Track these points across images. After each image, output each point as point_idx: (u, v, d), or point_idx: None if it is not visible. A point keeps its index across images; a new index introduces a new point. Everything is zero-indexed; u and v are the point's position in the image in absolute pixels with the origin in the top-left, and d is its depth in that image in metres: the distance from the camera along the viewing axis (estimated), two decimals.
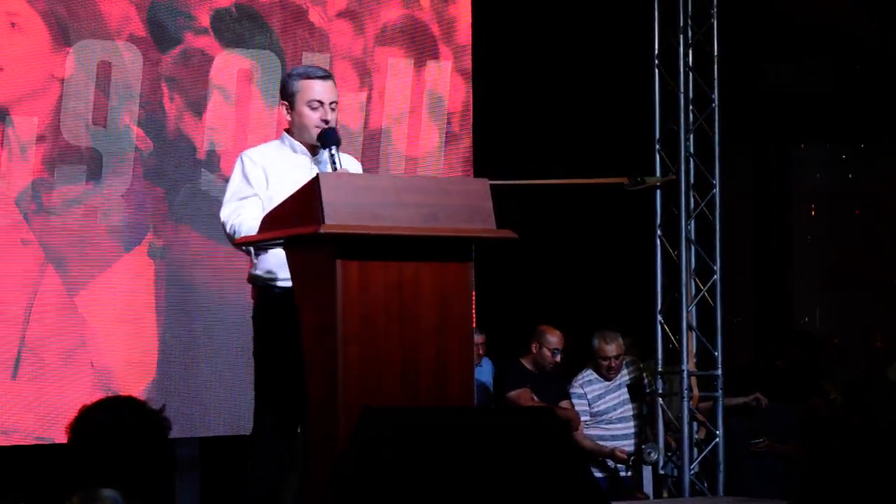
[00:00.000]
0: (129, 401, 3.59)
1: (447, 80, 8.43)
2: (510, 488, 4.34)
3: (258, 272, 5.50)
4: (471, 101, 8.51)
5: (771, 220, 11.86)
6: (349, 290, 4.69)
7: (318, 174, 4.82)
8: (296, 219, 4.79)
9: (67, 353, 7.53)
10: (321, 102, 5.44)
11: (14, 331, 7.43)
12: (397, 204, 4.82)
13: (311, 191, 4.72)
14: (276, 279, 5.44)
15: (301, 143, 5.50)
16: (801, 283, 11.92)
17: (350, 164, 5.60)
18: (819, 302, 11.93)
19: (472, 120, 8.54)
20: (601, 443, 8.35)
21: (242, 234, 5.31)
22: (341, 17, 8.12)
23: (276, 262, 5.40)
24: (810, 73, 11.46)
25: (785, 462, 8.62)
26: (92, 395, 7.52)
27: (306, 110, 5.45)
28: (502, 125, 9.28)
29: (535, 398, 8.26)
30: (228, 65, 7.90)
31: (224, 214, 5.45)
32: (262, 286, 5.49)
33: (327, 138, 5.41)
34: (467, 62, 8.52)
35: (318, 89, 5.47)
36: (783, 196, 11.94)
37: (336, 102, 5.51)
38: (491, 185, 4.99)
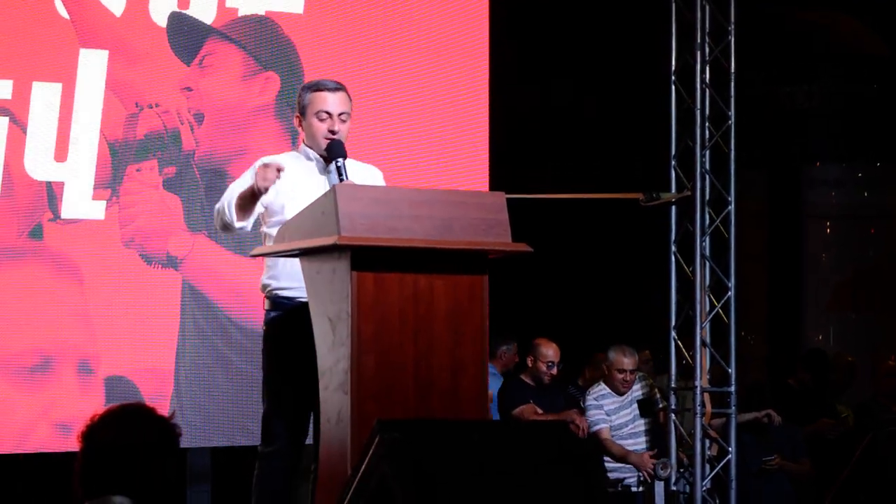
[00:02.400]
0: (141, 409, 3.59)
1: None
2: (523, 501, 4.33)
3: (267, 280, 5.54)
4: (487, 115, 8.52)
5: (785, 238, 11.85)
6: (364, 301, 4.70)
7: (333, 186, 4.83)
8: (312, 230, 4.79)
9: (82, 363, 7.54)
10: (329, 114, 5.50)
11: (29, 339, 7.44)
12: (413, 216, 4.82)
13: (327, 202, 4.73)
14: (283, 288, 5.47)
15: (315, 151, 5.55)
16: (815, 301, 11.90)
17: (363, 174, 5.62)
18: (832, 321, 11.91)
19: (488, 134, 8.55)
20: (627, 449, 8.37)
21: (222, 206, 5.40)
22: None
23: (284, 272, 5.44)
24: (826, 91, 11.46)
25: (796, 480, 8.60)
26: (106, 405, 7.53)
27: (315, 121, 5.52)
28: (520, 139, 9.30)
29: (539, 411, 8.27)
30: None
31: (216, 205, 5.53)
32: (270, 295, 5.52)
33: (332, 151, 5.46)
34: (484, 76, 8.54)
35: (327, 101, 5.53)
36: (798, 214, 11.93)
37: (347, 114, 5.55)
38: (507, 198, 5.00)
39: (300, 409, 5.39)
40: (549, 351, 8.43)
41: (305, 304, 5.35)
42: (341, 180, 5.35)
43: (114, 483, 3.49)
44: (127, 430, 3.52)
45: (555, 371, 8.44)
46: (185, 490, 7.74)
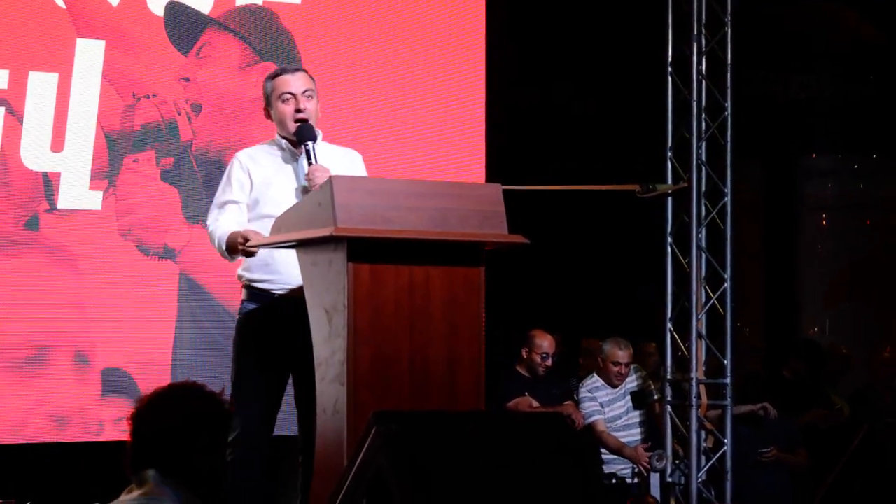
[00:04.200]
0: (189, 388, 3.63)
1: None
2: (520, 492, 4.34)
3: (241, 271, 5.62)
4: (484, 107, 8.53)
5: (781, 229, 11.86)
6: (360, 292, 4.70)
7: (330, 177, 4.83)
8: (308, 221, 4.80)
9: (78, 354, 7.54)
10: (292, 94, 5.54)
11: (25, 330, 7.44)
12: (410, 208, 4.82)
13: (323, 193, 4.73)
14: (256, 280, 5.54)
15: (286, 139, 5.58)
16: (811, 293, 11.90)
17: (340, 158, 5.63)
18: (828, 312, 11.91)
19: (485, 126, 8.55)
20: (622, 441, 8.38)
21: (215, 244, 5.47)
22: None
23: (256, 263, 5.49)
24: (821, 82, 11.46)
25: (792, 472, 8.62)
26: (102, 396, 7.54)
27: (280, 105, 5.56)
28: (515, 130, 9.30)
29: (535, 404, 8.27)
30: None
31: (208, 221, 5.61)
32: (246, 286, 5.58)
33: (302, 135, 5.49)
34: (481, 67, 8.54)
35: (289, 82, 5.56)
36: (794, 206, 11.94)
37: (312, 90, 5.59)
38: (503, 190, 5.01)
39: (267, 400, 5.42)
40: (544, 342, 8.44)
41: (281, 297, 5.39)
42: (310, 164, 5.38)
43: (156, 463, 3.52)
44: (169, 411, 3.56)
45: (549, 362, 8.45)
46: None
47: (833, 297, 11.86)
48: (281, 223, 5.04)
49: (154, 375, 7.63)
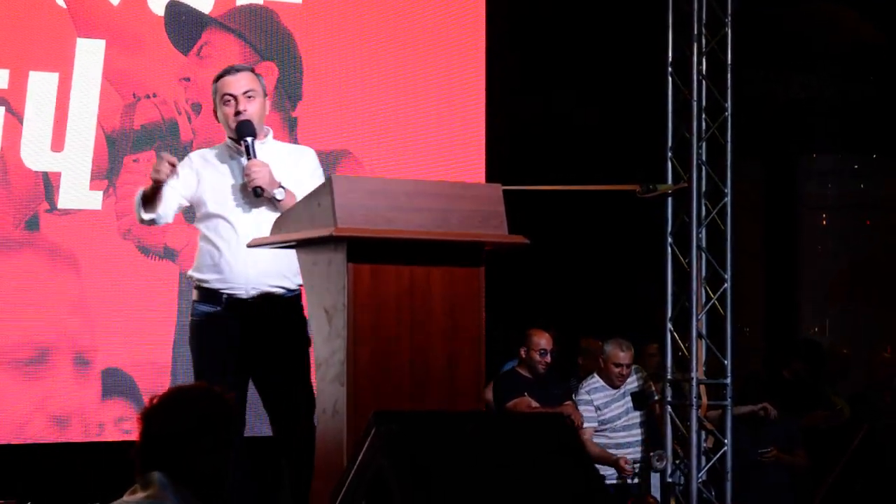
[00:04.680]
0: (196, 391, 3.66)
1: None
2: (520, 492, 4.34)
3: (191, 272, 5.61)
4: (484, 109, 8.53)
5: (781, 229, 11.85)
6: (360, 292, 4.69)
7: (329, 176, 4.83)
8: (309, 221, 4.80)
9: (78, 355, 7.55)
10: (232, 96, 5.51)
11: (25, 331, 7.44)
12: (410, 208, 4.82)
13: (323, 193, 4.73)
14: (204, 280, 5.53)
15: (231, 138, 5.56)
16: (811, 293, 11.90)
17: (287, 155, 5.62)
18: (828, 312, 11.91)
19: (485, 125, 8.55)
20: (608, 451, 8.36)
21: (135, 204, 5.43)
22: None
23: (205, 263, 5.51)
24: (822, 82, 11.46)
25: (792, 472, 8.62)
26: (102, 397, 7.53)
27: (222, 107, 5.54)
28: (515, 130, 9.30)
29: (534, 404, 8.27)
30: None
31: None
32: (196, 286, 5.58)
33: (241, 130, 5.47)
34: (481, 67, 8.54)
35: (229, 84, 5.53)
36: (794, 206, 11.93)
37: (254, 90, 5.54)
38: (503, 190, 5.01)
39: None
40: (542, 340, 8.43)
41: (230, 298, 5.38)
42: (249, 159, 5.37)
43: (164, 465, 3.53)
44: (178, 414, 3.57)
45: (548, 359, 8.44)
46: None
47: (833, 297, 11.86)
48: (281, 223, 5.04)
49: (154, 375, 7.64)
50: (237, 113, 5.48)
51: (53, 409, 7.48)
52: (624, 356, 8.38)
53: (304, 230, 4.82)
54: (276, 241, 5.07)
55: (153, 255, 7.68)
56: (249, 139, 5.44)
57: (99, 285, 7.59)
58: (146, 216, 5.47)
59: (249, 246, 5.27)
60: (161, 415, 3.57)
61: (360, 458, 4.29)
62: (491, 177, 8.38)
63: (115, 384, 7.57)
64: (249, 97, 5.51)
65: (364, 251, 4.70)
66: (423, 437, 4.41)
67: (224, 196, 5.49)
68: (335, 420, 4.72)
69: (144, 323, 7.66)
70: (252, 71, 5.63)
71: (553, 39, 9.70)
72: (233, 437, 3.65)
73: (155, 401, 3.60)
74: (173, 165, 5.25)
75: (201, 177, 5.55)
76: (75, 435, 7.47)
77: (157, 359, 7.67)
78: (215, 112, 5.62)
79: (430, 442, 4.35)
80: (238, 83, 5.51)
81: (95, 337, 7.56)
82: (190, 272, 5.60)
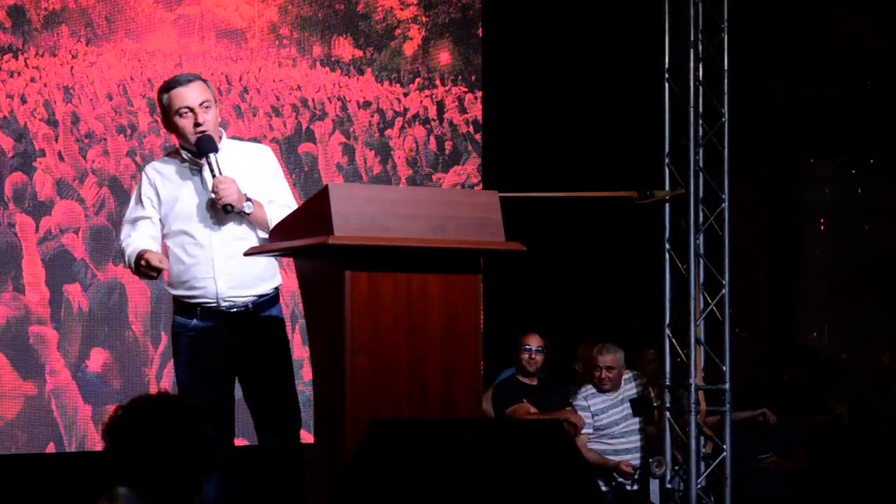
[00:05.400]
0: (162, 398, 3.58)
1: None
2: (518, 499, 4.33)
3: (165, 286, 5.57)
4: (480, 114, 8.53)
5: (780, 234, 11.84)
6: (358, 301, 4.69)
7: (326, 185, 4.82)
8: (305, 229, 4.79)
9: (67, 361, 7.54)
10: (189, 108, 5.37)
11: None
12: (406, 215, 4.82)
13: (320, 201, 4.73)
14: (183, 296, 5.49)
15: (189, 151, 5.46)
16: (810, 298, 11.89)
17: (246, 155, 5.53)
18: (827, 317, 11.90)
19: (481, 132, 8.55)
20: (606, 457, 8.36)
21: (125, 261, 5.42)
22: None
23: (175, 279, 5.47)
24: (820, 87, 11.46)
25: (792, 477, 8.61)
26: (85, 402, 7.53)
27: (178, 120, 5.39)
28: (512, 138, 9.30)
29: (533, 410, 8.26)
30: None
31: (120, 238, 5.51)
32: (173, 297, 5.54)
33: (202, 147, 5.36)
34: (478, 75, 8.53)
35: (184, 96, 5.38)
36: (792, 211, 11.92)
37: (209, 100, 5.40)
38: (500, 197, 5.00)
39: (217, 410, 5.36)
40: (528, 338, 8.42)
41: (206, 308, 5.35)
42: (214, 176, 5.31)
43: (129, 478, 3.45)
44: (143, 425, 3.48)
45: (538, 357, 8.39)
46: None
47: (832, 302, 11.85)
48: (278, 231, 5.04)
49: (144, 385, 7.63)
50: (197, 125, 5.36)
51: (53, 419, 7.47)
52: (604, 359, 8.36)
53: (301, 239, 4.82)
54: (272, 250, 5.06)
55: None
56: (212, 155, 5.34)
57: (101, 290, 7.61)
58: (142, 278, 5.50)
59: (246, 254, 5.25)
60: (124, 426, 3.47)
61: (357, 466, 4.29)
62: (488, 183, 8.38)
63: (100, 391, 7.58)
64: (206, 107, 5.38)
65: (361, 259, 4.70)
66: (420, 444, 4.40)
67: (188, 213, 5.41)
68: (332, 428, 4.71)
69: (135, 328, 7.67)
70: (200, 78, 5.48)
71: (550, 46, 9.70)
72: (199, 449, 3.58)
73: (119, 412, 3.50)
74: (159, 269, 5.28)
75: (161, 193, 5.45)
76: (59, 444, 7.49)
77: (147, 365, 7.67)
78: (165, 122, 5.48)
79: (427, 450, 4.34)
80: (193, 94, 5.38)
81: (84, 342, 7.56)
82: (164, 285, 5.58)
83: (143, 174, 5.53)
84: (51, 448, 7.42)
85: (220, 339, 5.37)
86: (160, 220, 5.48)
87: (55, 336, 7.47)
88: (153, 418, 3.49)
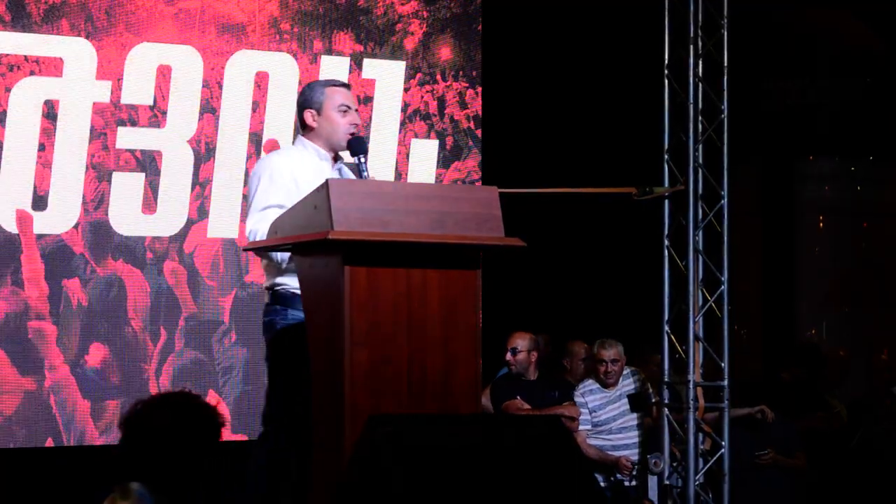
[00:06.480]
0: (183, 397, 3.57)
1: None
2: (515, 496, 4.34)
3: (281, 279, 5.38)
4: (480, 110, 8.53)
5: (778, 232, 11.85)
6: (357, 296, 4.69)
7: (326, 180, 4.81)
8: (305, 224, 4.79)
9: (67, 357, 7.54)
10: (349, 107, 5.48)
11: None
12: (406, 211, 4.81)
13: (320, 196, 4.72)
14: (286, 284, 5.39)
15: (324, 149, 5.48)
16: (808, 295, 11.90)
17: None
18: (825, 315, 11.91)
19: (482, 128, 8.55)
20: (604, 452, 8.36)
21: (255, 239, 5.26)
22: None
23: (292, 269, 5.34)
24: (819, 86, 11.46)
25: (790, 475, 8.61)
26: (91, 400, 7.53)
27: (336, 115, 5.46)
28: (512, 134, 9.30)
29: (525, 406, 8.25)
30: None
31: (249, 225, 5.35)
32: (283, 293, 5.36)
33: (357, 147, 5.43)
34: (478, 70, 8.54)
35: (347, 95, 5.52)
36: (791, 208, 11.93)
37: (358, 110, 5.57)
38: (500, 193, 5.00)
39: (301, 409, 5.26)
40: (513, 339, 8.42)
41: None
42: (362, 176, 5.32)
43: (143, 474, 3.45)
44: (162, 422, 3.49)
45: (518, 357, 8.38)
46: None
47: (830, 301, 11.86)
48: (278, 226, 5.03)
49: (143, 380, 7.64)
50: (353, 124, 5.48)
51: (39, 413, 7.48)
52: (605, 353, 8.37)
53: (301, 233, 4.82)
54: (272, 245, 5.06)
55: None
56: (362, 157, 5.40)
57: (103, 287, 7.62)
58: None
59: (245, 249, 5.24)
60: (141, 422, 3.47)
61: (357, 461, 4.29)
62: (488, 179, 8.38)
63: (103, 387, 7.58)
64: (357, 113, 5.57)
65: (360, 254, 4.70)
66: (419, 439, 4.40)
67: None
68: (332, 423, 4.71)
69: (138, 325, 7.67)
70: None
71: (550, 42, 9.71)
72: (212, 446, 3.54)
73: (140, 407, 3.50)
74: None
75: (298, 182, 5.31)
76: (65, 439, 7.49)
77: (149, 362, 7.67)
78: (315, 114, 5.48)
79: (427, 444, 4.34)
80: (352, 99, 5.55)
81: (87, 338, 7.56)
82: (271, 277, 5.38)
83: (274, 163, 5.44)
84: (50, 443, 7.42)
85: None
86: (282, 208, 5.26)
87: (54, 331, 7.46)
88: (175, 417, 3.48)
